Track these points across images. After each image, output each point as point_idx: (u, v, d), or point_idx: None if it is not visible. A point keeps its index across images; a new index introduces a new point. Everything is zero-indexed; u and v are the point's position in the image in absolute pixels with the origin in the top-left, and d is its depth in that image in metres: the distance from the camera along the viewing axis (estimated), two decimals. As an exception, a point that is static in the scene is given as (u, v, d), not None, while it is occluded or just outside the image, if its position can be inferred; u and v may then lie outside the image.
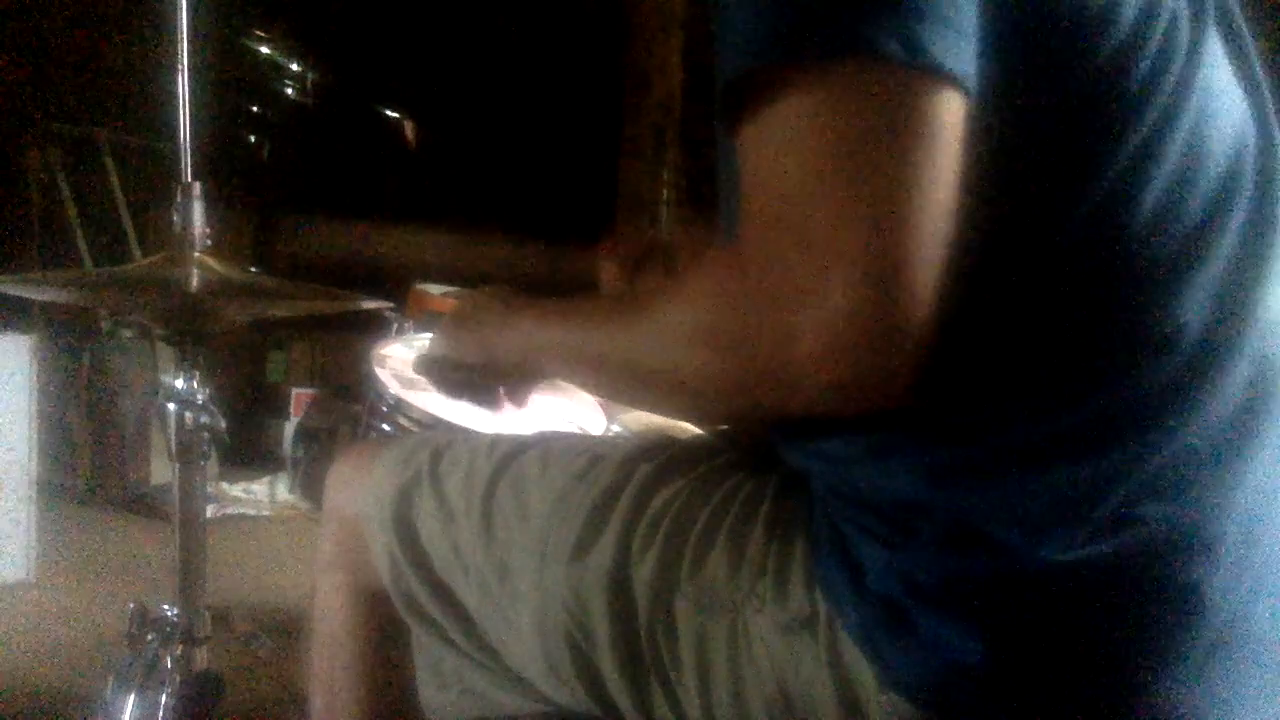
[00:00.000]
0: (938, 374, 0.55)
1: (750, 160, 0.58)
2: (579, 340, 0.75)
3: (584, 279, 1.14)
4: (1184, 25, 0.65)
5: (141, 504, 3.38)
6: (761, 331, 0.56)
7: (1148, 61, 0.62)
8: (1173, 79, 0.63)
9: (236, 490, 3.56)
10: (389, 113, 5.17)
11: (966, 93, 0.56)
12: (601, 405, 1.55)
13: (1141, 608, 0.61)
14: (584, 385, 0.85)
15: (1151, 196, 0.62)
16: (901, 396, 0.56)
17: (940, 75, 0.54)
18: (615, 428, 1.51)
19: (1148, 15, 0.62)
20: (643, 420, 1.69)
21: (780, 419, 0.73)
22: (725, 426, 0.94)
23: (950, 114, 0.55)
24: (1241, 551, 0.62)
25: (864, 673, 0.66)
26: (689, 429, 1.57)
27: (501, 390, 0.90)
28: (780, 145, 0.56)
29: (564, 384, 1.51)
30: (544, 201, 4.44)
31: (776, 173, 0.56)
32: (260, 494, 3.56)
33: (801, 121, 0.55)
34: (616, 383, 0.75)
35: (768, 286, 0.55)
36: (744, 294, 0.57)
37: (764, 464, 0.79)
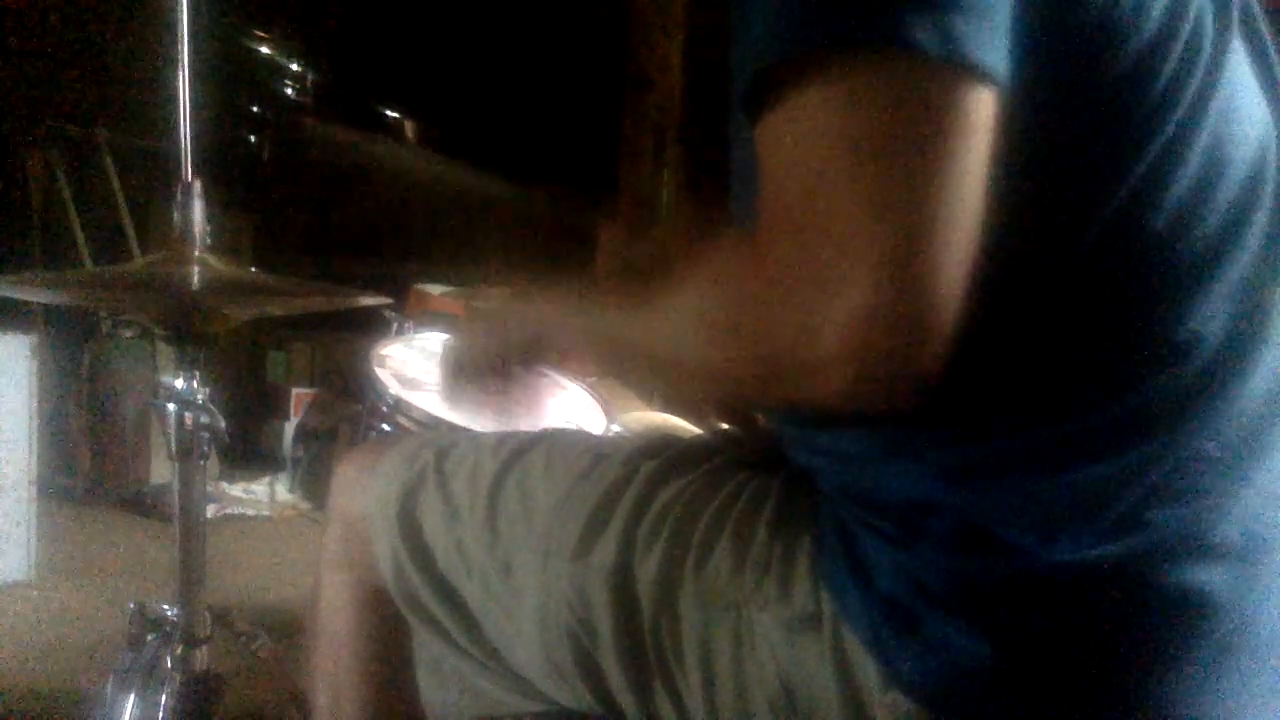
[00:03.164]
0: (952, 374, 0.55)
1: (774, 151, 0.56)
2: (597, 323, 0.74)
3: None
4: (1208, 30, 0.64)
5: (141, 504, 3.38)
6: (783, 323, 0.55)
7: (1172, 65, 0.61)
8: (1196, 83, 0.62)
9: (236, 490, 3.55)
10: (389, 113, 5.16)
11: (999, 89, 0.54)
12: (601, 406, 1.55)
13: (1150, 611, 0.61)
14: (598, 362, 0.83)
15: (1172, 202, 0.62)
16: (921, 393, 0.55)
17: (974, 70, 0.53)
18: (615, 427, 1.51)
19: (1172, 19, 0.62)
20: (644, 420, 1.69)
21: (792, 414, 0.72)
22: (744, 414, 0.94)
23: (982, 110, 0.54)
24: (1251, 556, 0.62)
25: (868, 672, 0.66)
26: (691, 428, 1.57)
27: (515, 386, 0.87)
28: (807, 136, 0.55)
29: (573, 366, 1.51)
30: (544, 202, 4.43)
31: (802, 164, 0.55)
32: (260, 494, 3.56)
33: (830, 113, 0.54)
34: (634, 365, 0.74)
35: (790, 278, 0.54)
36: (766, 285, 0.56)
37: (769, 462, 0.78)
